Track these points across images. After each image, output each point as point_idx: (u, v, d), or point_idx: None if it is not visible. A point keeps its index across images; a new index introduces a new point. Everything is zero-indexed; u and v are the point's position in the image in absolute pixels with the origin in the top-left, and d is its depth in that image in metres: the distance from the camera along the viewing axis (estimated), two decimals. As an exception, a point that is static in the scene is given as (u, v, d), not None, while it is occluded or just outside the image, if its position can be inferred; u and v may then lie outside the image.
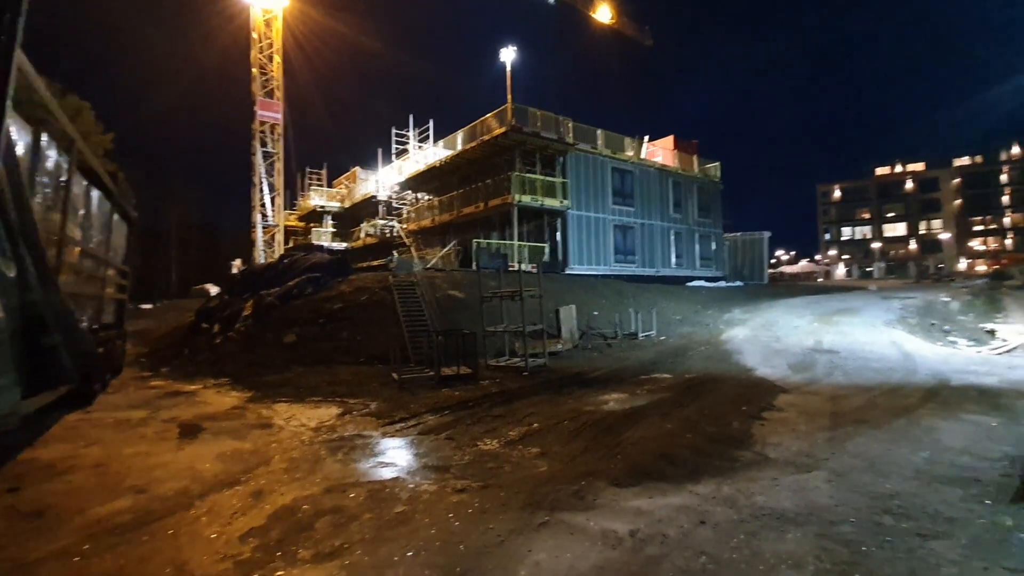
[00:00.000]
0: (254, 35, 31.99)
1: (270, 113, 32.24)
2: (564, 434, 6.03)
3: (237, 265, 36.20)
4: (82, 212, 6.58)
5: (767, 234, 34.29)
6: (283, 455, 5.45)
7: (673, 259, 27.42)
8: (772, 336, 14.31)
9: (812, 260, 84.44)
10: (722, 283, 29.19)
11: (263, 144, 32.23)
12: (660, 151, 28.67)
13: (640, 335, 14.97)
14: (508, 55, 22.94)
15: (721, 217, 30.72)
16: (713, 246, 30.10)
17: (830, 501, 3.97)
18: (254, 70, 31.97)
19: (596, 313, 16.13)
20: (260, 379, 10.27)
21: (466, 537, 3.48)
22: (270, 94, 32.29)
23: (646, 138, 28.27)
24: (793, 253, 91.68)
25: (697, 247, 28.90)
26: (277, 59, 32.45)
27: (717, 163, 30.66)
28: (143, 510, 4.04)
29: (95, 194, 7.18)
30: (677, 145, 29.79)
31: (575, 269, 22.08)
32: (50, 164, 5.11)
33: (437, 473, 4.81)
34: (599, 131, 24.53)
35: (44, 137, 4.84)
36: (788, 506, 3.88)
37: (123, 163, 29.14)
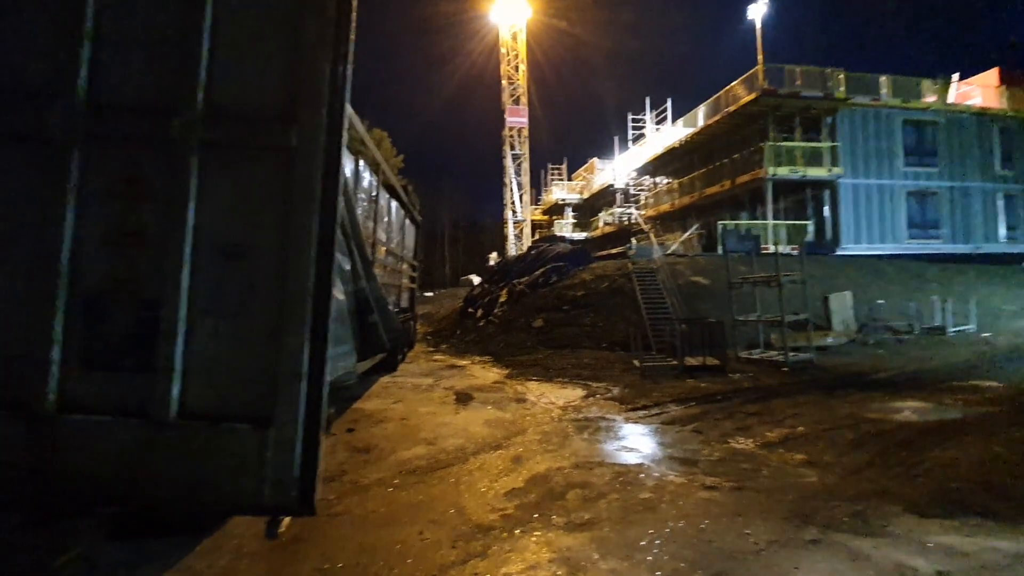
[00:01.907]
0: (502, 50, 35.55)
1: (517, 119, 35.48)
2: (840, 443, 5.13)
3: (493, 257, 41.00)
4: (386, 219, 8.38)
5: None
6: (536, 428, 5.99)
7: (1002, 231, 20.53)
8: None
9: None
10: (1094, 261, 20.69)
11: (512, 147, 35.69)
12: (978, 91, 21.70)
13: (950, 330, 11.73)
14: (758, 10, 20.36)
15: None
16: (1075, 210, 21.52)
17: None
18: (503, 81, 35.55)
19: (881, 302, 13.23)
20: (515, 358, 11.50)
21: (718, 538, 3.27)
22: (516, 101, 35.50)
23: (955, 76, 21.74)
24: None
25: (1045, 213, 21.07)
26: (522, 68, 35.43)
27: (1081, 93, 21.70)
28: (433, 458, 4.94)
29: (394, 204, 9.05)
30: (1004, 79, 21.97)
31: (850, 249, 18.45)
32: (365, 184, 6.61)
33: (683, 466, 4.63)
34: (883, 78, 19.89)
35: (361, 163, 6.29)
36: None
37: (409, 175, 35.90)
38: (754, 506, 3.72)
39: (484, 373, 10.17)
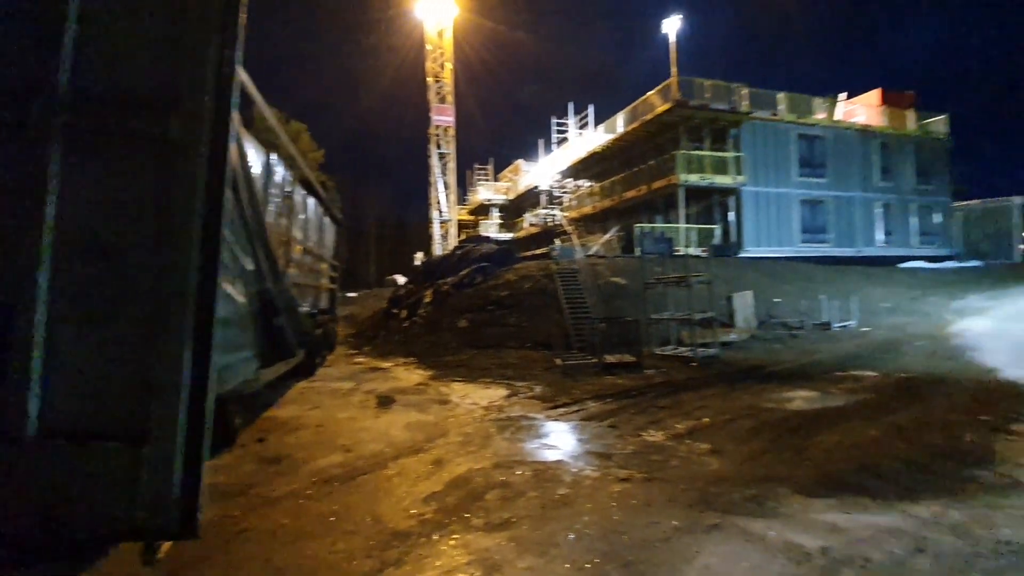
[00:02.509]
0: (428, 47, 35.07)
1: (443, 117, 35.12)
2: (739, 432, 5.53)
3: (419, 257, 40.37)
4: (302, 217, 7.97)
5: (1018, 199, 26.88)
6: (458, 429, 5.95)
7: (879, 236, 23.15)
8: (1027, 329, 11.28)
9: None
10: (950, 263, 23.83)
11: (438, 146, 35.29)
12: (862, 109, 24.31)
13: (835, 325, 13.02)
14: (672, 25, 21.51)
15: (948, 182, 24.99)
16: (937, 218, 24.68)
17: (1124, 548, 2.98)
18: (429, 79, 35.07)
19: (778, 300, 14.44)
20: (439, 359, 11.36)
21: (629, 528, 3.41)
22: (443, 100, 35.14)
23: (842, 96, 24.22)
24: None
25: (914, 220, 23.98)
26: (448, 66, 35.13)
27: (942, 116, 24.96)
28: (350, 466, 4.76)
29: (311, 201, 8.64)
30: (885, 100, 24.83)
31: (752, 252, 19.99)
32: (278, 178, 6.25)
33: (600, 460, 4.79)
34: (781, 95, 21.73)
35: (273, 157, 5.94)
36: (1052, 546, 3.02)
37: (330, 172, 34.49)
38: (662, 495, 3.92)
39: (407, 375, 9.97)
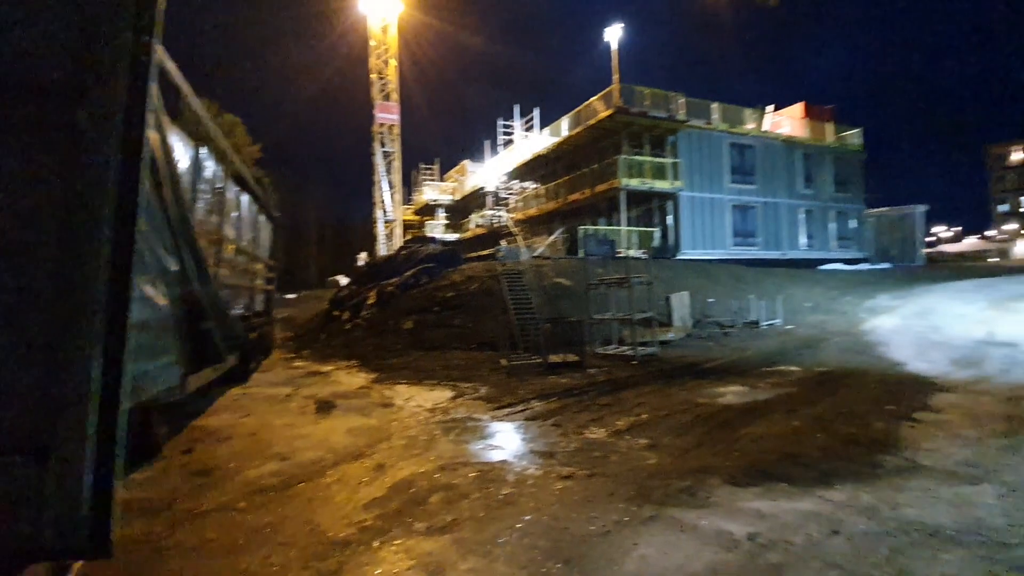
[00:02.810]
0: (372, 43, 34.30)
1: (388, 115, 34.44)
2: (675, 426, 5.77)
3: (362, 258, 39.37)
4: (235, 214, 7.58)
5: (921, 208, 29.67)
6: (402, 433, 5.85)
7: (802, 240, 24.84)
8: (929, 326, 12.41)
9: (982, 236, 71.43)
10: (864, 265, 25.89)
11: (382, 144, 34.57)
12: (787, 121, 25.99)
13: (763, 324, 13.82)
14: (614, 34, 22.15)
15: (863, 191, 27.17)
16: (853, 224, 26.76)
17: (1002, 520, 3.35)
18: (372, 76, 34.29)
19: (712, 300, 15.17)
20: (384, 362, 11.13)
21: (571, 524, 3.47)
22: (387, 97, 34.46)
23: (769, 108, 25.79)
24: (959, 229, 78.12)
25: (833, 226, 25.89)
26: (393, 63, 34.49)
27: (857, 130, 27.11)
28: (287, 475, 4.57)
29: (245, 198, 8.23)
30: (808, 113, 26.73)
31: (688, 254, 20.91)
32: (208, 174, 5.92)
33: (543, 459, 4.85)
34: (714, 105, 22.86)
35: (204, 151, 5.62)
36: (946, 522, 3.34)
37: (269, 168, 33.00)
38: (603, 491, 4.02)
39: (349, 379, 9.70)
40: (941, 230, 76.03)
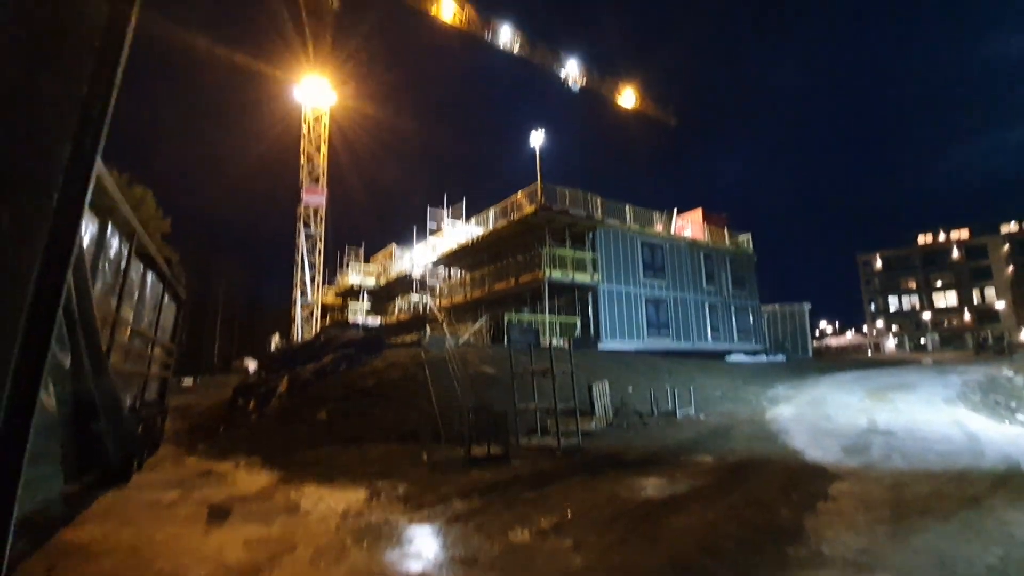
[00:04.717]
0: (304, 129, 34.96)
1: (315, 198, 34.47)
2: (599, 522, 5.70)
3: (275, 341, 37.22)
4: (136, 295, 7.03)
5: (807, 305, 33.35)
6: (308, 542, 5.31)
7: (709, 332, 26.80)
8: (821, 415, 13.51)
9: (859, 332, 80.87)
10: (763, 357, 28.13)
11: (307, 226, 34.19)
12: (689, 224, 28.94)
13: (678, 413, 14.38)
14: (537, 138, 24.18)
15: (756, 289, 30.22)
16: (751, 318, 29.38)
17: (899, 610, 3.55)
18: (302, 159, 34.61)
19: (631, 389, 15.68)
20: (292, 458, 10.22)
21: (494, 642, 3.25)
22: (316, 180, 34.67)
23: (676, 211, 28.68)
24: (837, 324, 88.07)
25: (734, 320, 28.26)
26: (323, 149, 35.16)
27: (748, 235, 30.66)
28: (166, 600, 3.96)
29: (150, 277, 7.70)
30: (706, 218, 30.07)
31: (608, 344, 21.79)
32: (112, 252, 5.55)
33: (465, 567, 4.58)
34: (628, 206, 25.11)
35: (109, 226, 5.30)
36: (850, 614, 3.49)
37: (177, 244, 31.22)
38: (528, 600, 3.83)
39: (251, 478, 8.78)
40: (825, 326, 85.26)
